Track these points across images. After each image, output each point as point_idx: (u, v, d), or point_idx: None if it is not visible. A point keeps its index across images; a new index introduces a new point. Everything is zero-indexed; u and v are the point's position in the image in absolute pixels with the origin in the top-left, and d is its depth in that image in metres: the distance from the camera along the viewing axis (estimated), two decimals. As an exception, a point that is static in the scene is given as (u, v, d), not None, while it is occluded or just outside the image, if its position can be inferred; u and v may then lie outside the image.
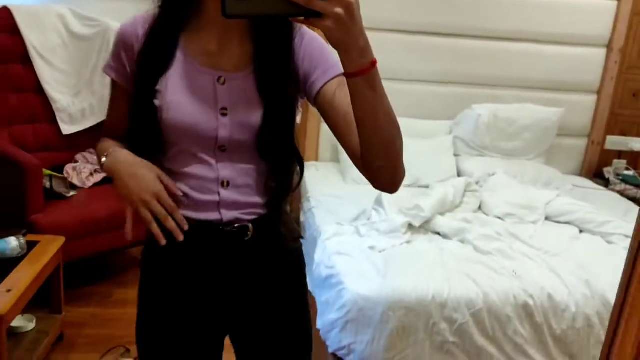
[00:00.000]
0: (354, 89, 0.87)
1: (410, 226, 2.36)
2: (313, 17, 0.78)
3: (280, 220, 1.17)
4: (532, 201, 2.67)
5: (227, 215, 1.11)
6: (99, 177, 2.81)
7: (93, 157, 2.91)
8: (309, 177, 3.07)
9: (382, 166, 0.96)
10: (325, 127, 1.32)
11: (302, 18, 0.79)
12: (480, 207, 2.70)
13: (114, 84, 1.13)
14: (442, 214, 2.49)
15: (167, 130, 1.05)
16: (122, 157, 1.08)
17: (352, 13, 0.78)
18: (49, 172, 2.63)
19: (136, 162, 1.07)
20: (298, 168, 1.15)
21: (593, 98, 3.51)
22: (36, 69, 2.79)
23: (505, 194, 2.74)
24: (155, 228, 1.04)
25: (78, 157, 2.90)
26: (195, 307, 1.17)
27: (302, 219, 2.84)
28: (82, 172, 2.79)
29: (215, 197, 1.10)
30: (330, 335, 2.04)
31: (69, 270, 2.49)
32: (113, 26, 2.92)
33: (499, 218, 2.60)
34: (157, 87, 1.04)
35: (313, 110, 1.13)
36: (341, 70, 0.89)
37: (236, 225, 1.12)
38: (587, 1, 3.32)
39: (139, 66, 1.06)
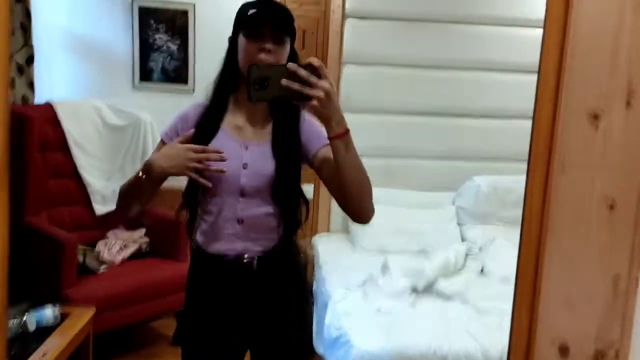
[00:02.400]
0: (334, 148, 1.28)
1: (414, 289, 2.53)
2: (305, 100, 1.21)
3: (289, 251, 1.55)
4: (533, 265, 2.82)
5: (240, 246, 1.48)
6: (127, 252, 3.05)
7: (123, 234, 3.16)
8: (322, 247, 3.27)
9: (354, 203, 1.36)
10: (335, 202, 1.55)
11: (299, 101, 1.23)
12: (482, 271, 2.85)
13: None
14: (445, 276, 2.65)
15: (207, 176, 1.42)
16: (149, 159, 1.40)
17: (329, 96, 1.20)
18: (82, 247, 2.88)
19: (161, 151, 1.41)
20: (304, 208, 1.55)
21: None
22: (73, 157, 3.12)
23: (506, 258, 2.88)
24: (201, 180, 1.37)
25: (109, 234, 3.16)
26: (220, 321, 1.53)
27: (314, 287, 3.02)
28: (113, 247, 3.03)
29: (232, 231, 1.48)
30: (340, 392, 2.18)
31: (99, 341, 2.64)
32: (144, 118, 3.27)
33: (501, 281, 2.75)
34: None
35: (324, 189, 1.54)
36: (327, 140, 1.30)
37: (246, 255, 1.49)
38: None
39: (194, 137, 1.42)
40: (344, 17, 3.47)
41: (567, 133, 0.77)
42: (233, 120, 1.50)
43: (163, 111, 3.38)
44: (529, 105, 3.58)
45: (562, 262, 0.78)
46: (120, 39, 3.48)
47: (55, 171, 3.06)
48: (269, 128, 1.50)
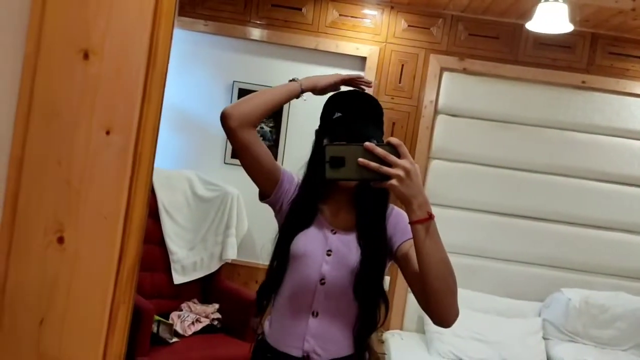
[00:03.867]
0: (415, 234, 1.18)
1: (495, 407, 2.33)
2: (383, 180, 1.14)
3: (363, 357, 1.41)
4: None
5: (309, 345, 1.36)
6: (199, 326, 3.04)
7: (196, 307, 3.16)
8: (394, 345, 3.13)
9: (436, 301, 1.22)
10: (411, 297, 1.49)
11: (376, 182, 1.15)
12: (571, 396, 2.61)
13: (277, 168, 1.48)
14: (529, 398, 2.44)
15: (292, 256, 1.39)
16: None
17: (410, 175, 1.13)
18: (157, 317, 2.90)
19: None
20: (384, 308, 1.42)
21: (692, 291, 3.41)
22: (162, 224, 3.21)
23: (598, 384, 2.65)
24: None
25: (183, 305, 3.17)
26: None
27: (385, 388, 2.86)
28: (186, 320, 3.03)
29: (304, 325, 1.37)
30: None
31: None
32: (231, 191, 3.35)
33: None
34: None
35: (400, 282, 1.37)
36: None
37: (314, 356, 1.36)
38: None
39: (288, 219, 1.43)
40: (436, 112, 3.50)
41: None
42: (322, 206, 1.46)
43: (250, 188, 3.49)
44: (624, 218, 3.44)
45: None
46: (217, 117, 3.62)
47: (145, 238, 3.14)
48: (353, 218, 1.44)
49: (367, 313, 1.38)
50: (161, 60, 0.66)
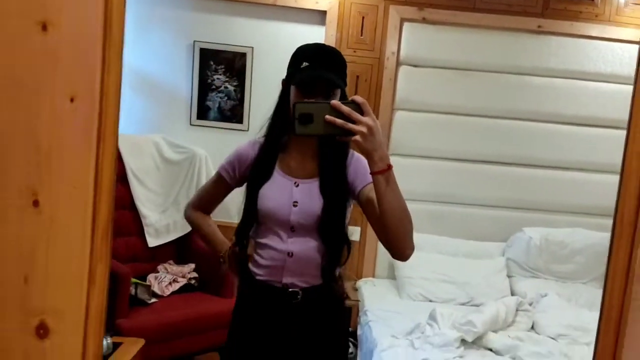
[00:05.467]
0: (376, 183, 1.30)
1: (463, 341, 2.48)
2: (348, 135, 1.25)
3: (331, 287, 1.60)
4: (586, 323, 2.73)
5: (287, 279, 1.57)
6: (176, 286, 3.11)
7: (173, 268, 3.23)
8: (367, 292, 3.25)
9: (393, 239, 1.37)
10: (381, 247, 1.61)
11: (342, 137, 1.28)
12: (532, 327, 2.78)
13: (220, 179, 1.67)
14: (494, 331, 2.60)
15: (260, 213, 1.56)
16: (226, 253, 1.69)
17: (372, 132, 1.24)
18: (135, 280, 2.95)
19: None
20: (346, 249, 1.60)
21: (645, 224, 3.59)
22: (131, 189, 3.23)
23: (558, 315, 2.82)
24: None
25: (160, 267, 3.23)
26: (261, 353, 1.60)
27: (359, 332, 3.00)
28: (163, 281, 3.10)
29: (282, 264, 1.56)
30: None
31: (146, 372, 2.70)
32: (199, 153, 3.37)
33: (552, 338, 2.68)
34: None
35: (370, 232, 1.48)
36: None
37: (290, 290, 1.57)
38: None
39: (251, 176, 1.60)
40: (398, 63, 3.54)
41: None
42: (285, 159, 1.59)
43: (218, 148, 3.53)
44: (580, 157, 3.57)
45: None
46: (180, 78, 3.62)
47: (116, 203, 3.16)
48: (316, 166, 1.57)
49: (332, 252, 1.56)
50: (117, 27, 0.69)
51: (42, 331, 0.69)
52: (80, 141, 0.69)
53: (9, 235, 0.67)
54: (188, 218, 1.81)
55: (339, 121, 1.23)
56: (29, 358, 0.70)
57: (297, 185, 1.56)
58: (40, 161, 0.68)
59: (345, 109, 1.24)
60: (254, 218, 1.59)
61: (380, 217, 1.35)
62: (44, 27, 0.65)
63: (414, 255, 1.41)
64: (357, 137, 1.24)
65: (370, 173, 1.30)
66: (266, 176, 1.57)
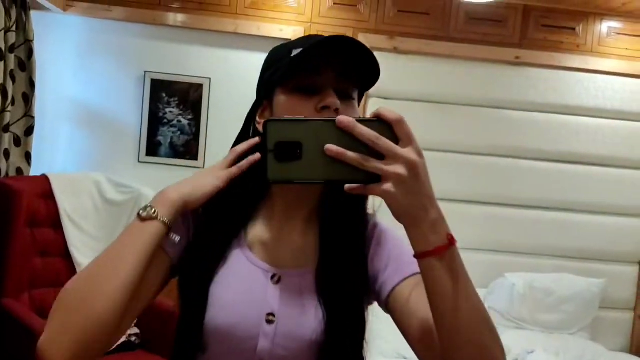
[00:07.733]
0: (426, 273, 0.70)
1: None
2: (370, 182, 0.66)
3: None
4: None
5: None
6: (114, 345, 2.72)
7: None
8: None
9: (469, 351, 0.71)
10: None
11: (357, 185, 0.68)
12: (520, 390, 2.45)
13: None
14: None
15: (205, 331, 0.86)
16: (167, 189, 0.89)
17: (416, 173, 0.65)
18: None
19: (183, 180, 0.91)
20: None
21: (635, 269, 3.33)
22: (65, 234, 2.85)
23: (548, 374, 2.50)
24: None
25: (96, 323, 2.84)
26: None
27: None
28: (97, 339, 2.70)
29: None
30: None
31: None
32: (145, 193, 3.02)
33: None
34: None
35: None
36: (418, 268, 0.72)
37: None
38: (626, 172, 3.29)
39: (190, 260, 0.89)
40: (367, 96, 3.28)
41: None
42: (257, 231, 0.92)
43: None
44: (562, 196, 3.27)
45: None
46: (128, 111, 3.30)
47: (43, 249, 2.79)
48: (312, 244, 0.91)
49: None
50: None
51: None
52: None
53: None
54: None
55: (352, 155, 0.66)
56: None
57: (278, 281, 0.88)
58: None
59: (365, 131, 0.66)
60: (194, 345, 0.88)
61: (440, 334, 0.72)
62: None
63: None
64: (388, 186, 0.66)
65: (416, 255, 0.70)
66: (219, 254, 0.90)
